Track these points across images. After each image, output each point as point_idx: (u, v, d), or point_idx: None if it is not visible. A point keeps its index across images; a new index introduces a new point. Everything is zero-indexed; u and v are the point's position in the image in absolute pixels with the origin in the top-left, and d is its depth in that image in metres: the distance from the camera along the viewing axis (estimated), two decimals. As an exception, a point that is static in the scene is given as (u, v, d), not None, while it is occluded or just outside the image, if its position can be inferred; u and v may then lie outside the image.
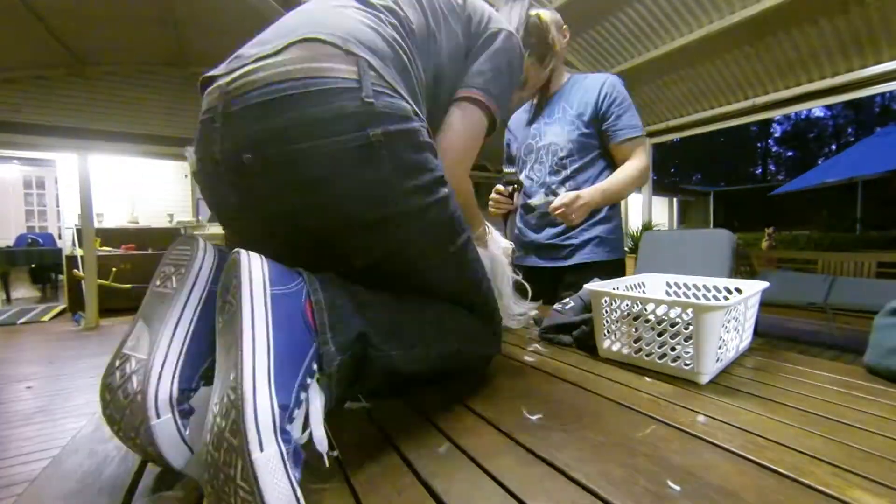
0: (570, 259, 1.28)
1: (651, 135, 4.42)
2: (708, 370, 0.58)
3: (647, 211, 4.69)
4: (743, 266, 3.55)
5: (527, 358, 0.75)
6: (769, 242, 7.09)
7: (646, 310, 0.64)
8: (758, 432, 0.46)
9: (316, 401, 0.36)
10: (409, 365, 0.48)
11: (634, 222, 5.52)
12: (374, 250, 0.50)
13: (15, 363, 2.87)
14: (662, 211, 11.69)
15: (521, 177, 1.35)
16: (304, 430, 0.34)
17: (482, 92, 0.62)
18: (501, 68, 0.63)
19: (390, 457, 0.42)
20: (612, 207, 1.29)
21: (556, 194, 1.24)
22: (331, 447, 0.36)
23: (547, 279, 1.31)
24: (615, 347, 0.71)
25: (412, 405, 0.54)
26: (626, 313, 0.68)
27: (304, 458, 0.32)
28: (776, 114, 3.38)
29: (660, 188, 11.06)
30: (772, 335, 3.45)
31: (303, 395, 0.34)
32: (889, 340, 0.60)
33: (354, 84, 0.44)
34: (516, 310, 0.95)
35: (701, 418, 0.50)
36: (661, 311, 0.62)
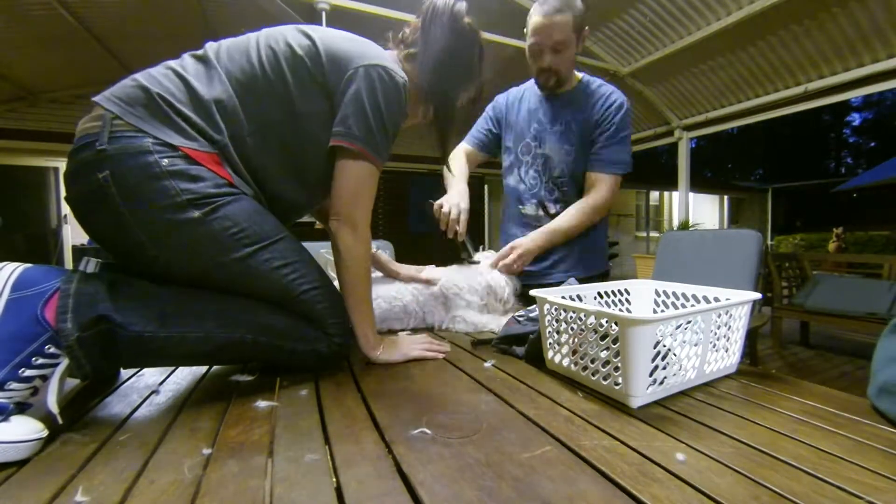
0: (546, 278, 1.21)
1: (688, 128, 4.11)
2: (638, 392, 0.53)
3: (685, 209, 4.36)
4: (791, 269, 3.20)
5: (469, 365, 0.72)
6: (837, 244, 6.34)
7: (581, 319, 0.60)
8: (662, 464, 0.41)
9: (54, 372, 0.49)
10: (179, 346, 0.56)
11: (674, 222, 5.16)
12: (151, 266, 0.61)
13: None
14: (712, 210, 10.81)
15: (515, 176, 1.29)
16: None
17: (344, 138, 0.67)
18: (363, 106, 0.67)
19: (252, 459, 0.42)
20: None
21: (546, 209, 1.23)
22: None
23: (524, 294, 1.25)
24: (557, 359, 0.66)
25: (319, 403, 0.54)
26: (569, 323, 0.63)
27: (11, 407, 0.45)
28: (833, 100, 2.99)
29: (708, 184, 10.25)
30: (825, 347, 3.07)
31: (26, 371, 0.47)
32: (886, 372, 0.50)
33: (94, 137, 0.56)
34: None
35: (606, 443, 0.45)
36: (591, 321, 0.57)
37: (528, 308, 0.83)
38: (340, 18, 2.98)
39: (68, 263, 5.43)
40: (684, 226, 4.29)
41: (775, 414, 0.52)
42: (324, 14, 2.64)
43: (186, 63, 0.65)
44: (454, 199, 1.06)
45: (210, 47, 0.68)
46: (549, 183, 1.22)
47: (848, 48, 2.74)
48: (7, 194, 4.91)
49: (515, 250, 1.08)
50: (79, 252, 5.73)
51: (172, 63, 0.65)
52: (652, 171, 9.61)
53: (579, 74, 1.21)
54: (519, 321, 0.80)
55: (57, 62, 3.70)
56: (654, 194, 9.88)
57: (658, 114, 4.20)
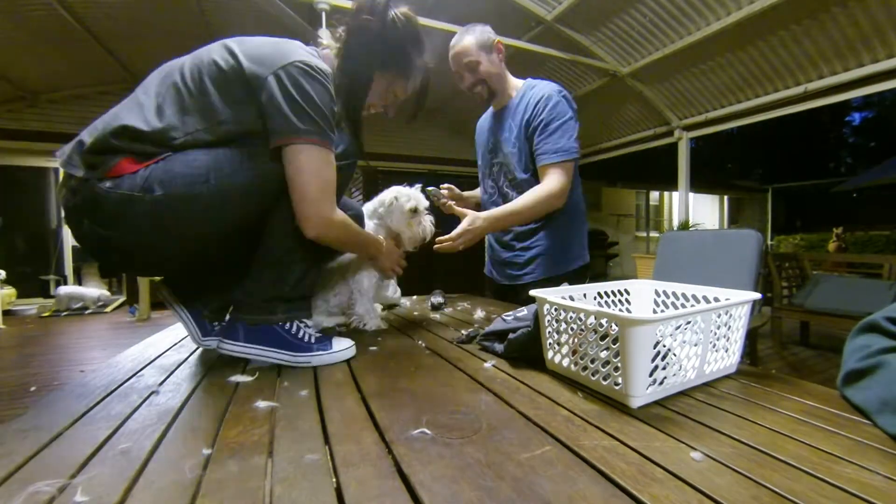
0: (520, 279, 1.32)
1: (688, 128, 4.11)
2: (637, 392, 0.53)
3: (685, 209, 4.36)
4: (791, 269, 3.20)
5: (469, 365, 0.72)
6: (837, 244, 6.34)
7: (581, 319, 0.60)
8: (662, 463, 0.41)
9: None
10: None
11: (674, 222, 5.16)
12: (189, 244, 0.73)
13: (77, 349, 3.25)
14: (712, 210, 10.80)
15: (481, 188, 1.44)
16: None
17: (288, 134, 0.67)
18: (293, 99, 0.66)
19: (252, 459, 0.42)
20: (549, 220, 1.28)
21: None
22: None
23: (510, 296, 1.38)
24: (557, 359, 0.66)
25: (318, 404, 0.54)
26: (569, 324, 0.63)
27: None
28: (833, 100, 2.99)
29: (708, 184, 10.24)
30: (825, 347, 3.07)
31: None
32: (848, 364, 0.51)
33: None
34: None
35: (606, 443, 0.45)
36: (591, 321, 0.57)
37: (517, 308, 0.84)
38: (340, 18, 2.98)
39: (68, 263, 5.43)
40: (684, 226, 4.29)
41: (775, 414, 0.52)
42: (323, 14, 2.63)
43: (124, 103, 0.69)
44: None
45: (148, 79, 0.71)
46: (506, 187, 1.33)
47: (848, 48, 2.74)
48: (7, 194, 4.91)
49: (465, 234, 1.10)
50: (79, 252, 5.72)
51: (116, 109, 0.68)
52: (652, 171, 9.61)
53: (520, 82, 1.31)
54: (506, 320, 0.80)
55: (57, 62, 3.70)
56: (654, 194, 9.87)
57: (658, 114, 4.20)
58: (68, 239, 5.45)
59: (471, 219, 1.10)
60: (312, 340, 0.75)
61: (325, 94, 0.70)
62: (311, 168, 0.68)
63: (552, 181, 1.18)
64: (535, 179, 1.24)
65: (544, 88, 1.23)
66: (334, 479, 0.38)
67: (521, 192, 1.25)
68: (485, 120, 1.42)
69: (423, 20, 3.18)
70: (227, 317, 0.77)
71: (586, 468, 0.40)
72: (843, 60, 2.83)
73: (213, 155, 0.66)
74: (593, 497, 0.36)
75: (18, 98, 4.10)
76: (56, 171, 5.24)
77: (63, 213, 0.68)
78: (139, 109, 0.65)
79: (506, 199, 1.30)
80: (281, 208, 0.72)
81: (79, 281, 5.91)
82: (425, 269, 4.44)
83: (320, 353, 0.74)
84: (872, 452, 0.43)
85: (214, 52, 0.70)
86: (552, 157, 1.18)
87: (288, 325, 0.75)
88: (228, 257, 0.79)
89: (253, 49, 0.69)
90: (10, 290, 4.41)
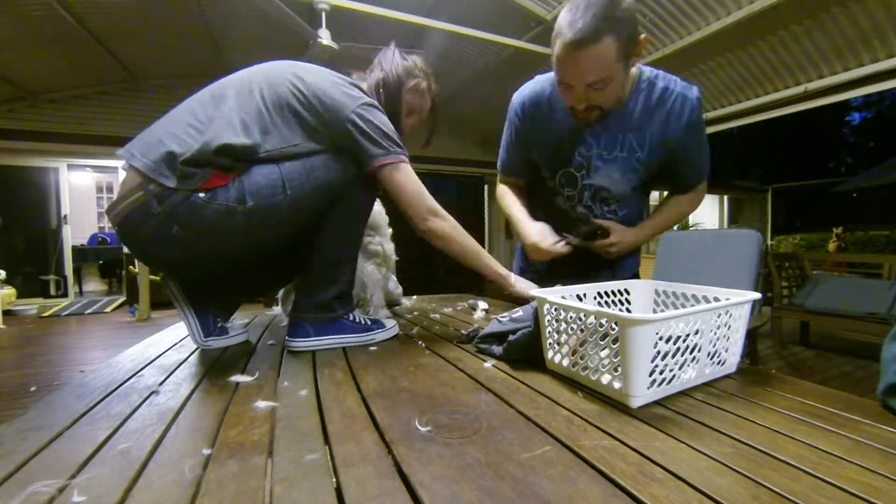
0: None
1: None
2: (638, 392, 0.53)
3: (685, 210, 4.35)
4: (791, 269, 3.20)
5: (469, 365, 0.72)
6: (837, 244, 6.35)
7: (581, 319, 0.60)
8: (662, 463, 0.41)
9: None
10: None
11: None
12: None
13: (77, 349, 3.26)
14: (712, 210, 10.80)
15: (533, 195, 1.14)
16: None
17: (383, 156, 0.80)
18: (374, 130, 0.80)
19: (252, 459, 0.42)
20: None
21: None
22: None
23: None
24: (557, 359, 0.66)
25: (318, 404, 0.54)
26: (569, 323, 0.63)
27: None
28: (833, 100, 2.99)
29: (708, 184, 10.25)
30: (825, 347, 3.07)
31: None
32: (889, 375, 0.50)
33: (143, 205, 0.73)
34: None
35: (606, 443, 0.45)
36: (591, 321, 0.57)
37: (513, 310, 0.84)
38: (340, 18, 2.97)
39: (68, 263, 5.43)
40: (684, 226, 4.29)
41: (775, 414, 0.52)
42: (323, 14, 2.63)
43: (198, 113, 0.75)
44: (544, 238, 0.98)
45: (224, 92, 0.78)
46: (598, 211, 1.05)
47: (848, 48, 2.74)
48: (7, 194, 4.91)
49: (620, 245, 0.99)
50: (78, 252, 5.73)
51: (192, 120, 0.74)
52: (652, 171, 9.61)
53: (634, 70, 0.89)
54: (501, 322, 0.80)
55: (57, 62, 3.71)
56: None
57: (658, 114, 4.20)
58: (68, 239, 5.45)
59: (620, 233, 1.00)
60: (368, 323, 0.90)
61: (389, 121, 0.83)
62: (412, 178, 0.84)
63: (698, 196, 1.07)
64: (642, 194, 1.08)
65: (680, 95, 0.88)
66: (334, 479, 0.38)
67: (614, 209, 1.04)
68: (554, 110, 0.95)
69: (423, 20, 3.17)
70: (289, 319, 0.88)
71: (586, 468, 0.40)
72: (843, 60, 2.83)
73: (282, 168, 0.75)
74: (593, 497, 0.36)
75: (18, 98, 4.10)
76: (56, 171, 5.24)
77: (128, 219, 0.70)
78: (230, 128, 0.72)
79: (594, 214, 1.05)
80: (328, 219, 0.83)
81: (79, 281, 5.92)
82: (425, 269, 4.45)
83: (379, 331, 0.90)
84: (872, 452, 0.43)
85: (287, 84, 0.78)
86: (701, 175, 1.03)
87: (346, 316, 0.89)
88: (262, 260, 0.90)
89: (324, 90, 0.78)
90: (10, 290, 4.41)
